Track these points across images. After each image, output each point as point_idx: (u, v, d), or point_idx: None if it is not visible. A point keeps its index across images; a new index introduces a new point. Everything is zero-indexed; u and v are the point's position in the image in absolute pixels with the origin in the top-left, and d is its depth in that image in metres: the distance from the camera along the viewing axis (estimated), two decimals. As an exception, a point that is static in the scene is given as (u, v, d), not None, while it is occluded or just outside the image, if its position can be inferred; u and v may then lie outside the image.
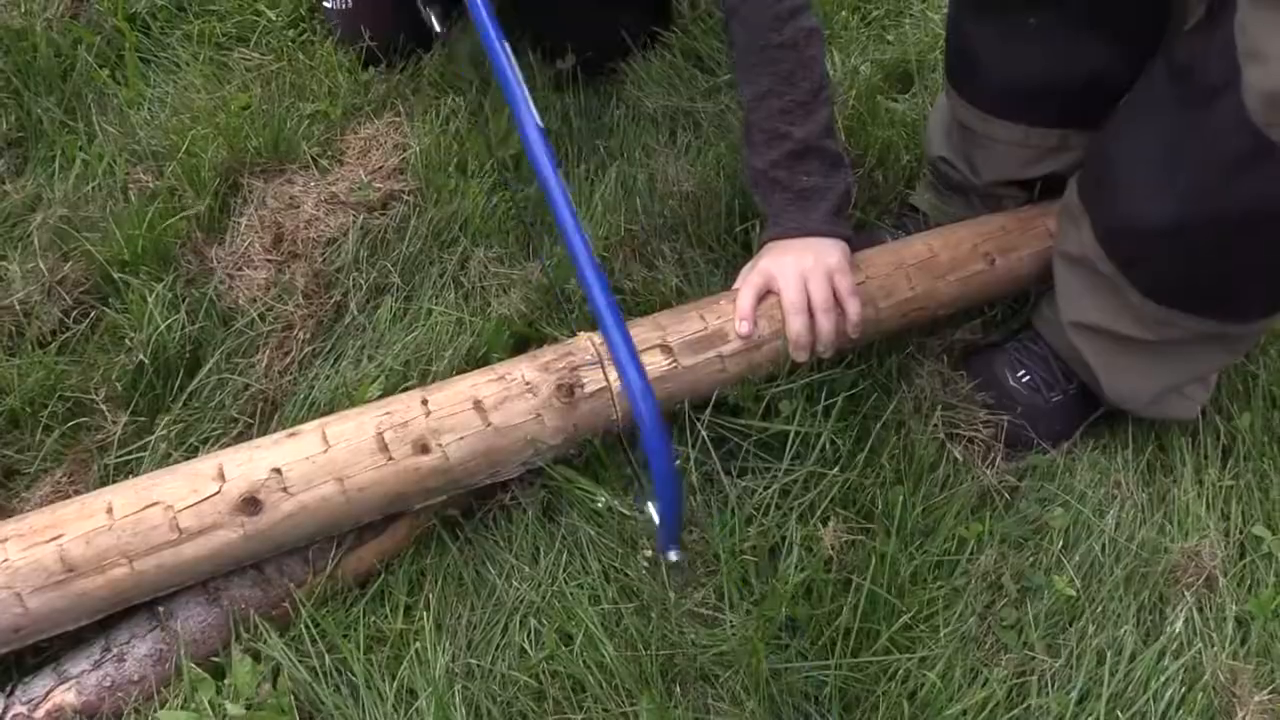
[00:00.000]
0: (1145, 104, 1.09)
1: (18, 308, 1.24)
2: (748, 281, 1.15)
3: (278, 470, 0.96)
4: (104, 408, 1.16)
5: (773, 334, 1.14)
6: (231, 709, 0.93)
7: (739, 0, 1.15)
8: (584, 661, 1.00)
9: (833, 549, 1.07)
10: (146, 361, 1.18)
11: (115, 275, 1.26)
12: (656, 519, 1.01)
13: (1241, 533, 1.21)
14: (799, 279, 1.13)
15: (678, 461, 1.11)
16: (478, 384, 1.05)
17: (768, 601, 1.03)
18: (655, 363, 1.09)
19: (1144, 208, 1.07)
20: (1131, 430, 1.28)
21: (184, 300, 1.25)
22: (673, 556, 1.01)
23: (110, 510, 0.93)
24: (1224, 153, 0.96)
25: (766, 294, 1.15)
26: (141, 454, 1.13)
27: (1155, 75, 1.07)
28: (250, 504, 0.95)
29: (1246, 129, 0.92)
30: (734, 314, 1.14)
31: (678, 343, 1.10)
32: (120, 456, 1.13)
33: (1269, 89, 0.89)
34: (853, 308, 1.14)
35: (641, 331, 1.11)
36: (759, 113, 1.17)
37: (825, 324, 1.13)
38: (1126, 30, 1.14)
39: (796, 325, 1.12)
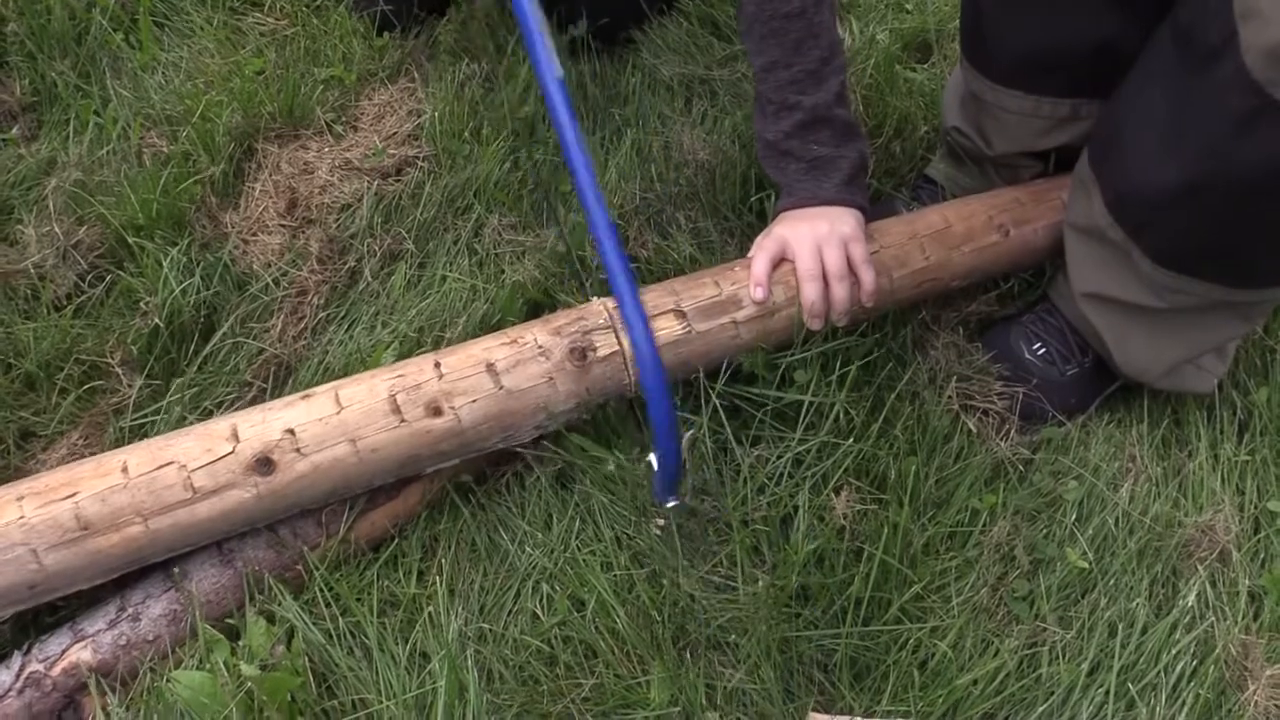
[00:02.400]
0: (1150, 68, 1.08)
1: (33, 271, 1.25)
2: (762, 248, 1.15)
3: (291, 431, 0.97)
4: (119, 371, 1.17)
5: (787, 301, 1.13)
6: (246, 669, 0.93)
7: None
8: (596, 627, 1.01)
9: (844, 518, 1.07)
10: (161, 325, 1.19)
11: (130, 239, 1.26)
12: (656, 465, 1.01)
13: (1256, 508, 1.21)
14: (813, 246, 1.12)
15: (678, 410, 1.11)
16: (490, 347, 1.05)
17: (779, 570, 1.03)
18: (669, 327, 1.09)
19: (1151, 172, 1.06)
20: (1147, 404, 1.27)
21: (198, 265, 1.25)
22: (670, 503, 1.01)
23: (125, 469, 0.93)
24: (1227, 113, 0.95)
25: (781, 261, 1.15)
26: (156, 417, 1.14)
27: (1160, 39, 1.06)
28: (264, 464, 0.95)
29: (1248, 88, 0.91)
30: (748, 280, 1.13)
31: (691, 308, 1.10)
32: (135, 419, 1.14)
33: (1267, 45, 0.88)
34: (867, 276, 1.13)
35: (655, 296, 1.10)
36: (768, 84, 1.16)
37: (840, 291, 1.12)
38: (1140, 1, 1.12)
39: (811, 292, 1.12)
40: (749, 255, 1.17)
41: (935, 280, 1.23)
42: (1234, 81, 0.92)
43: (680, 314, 1.10)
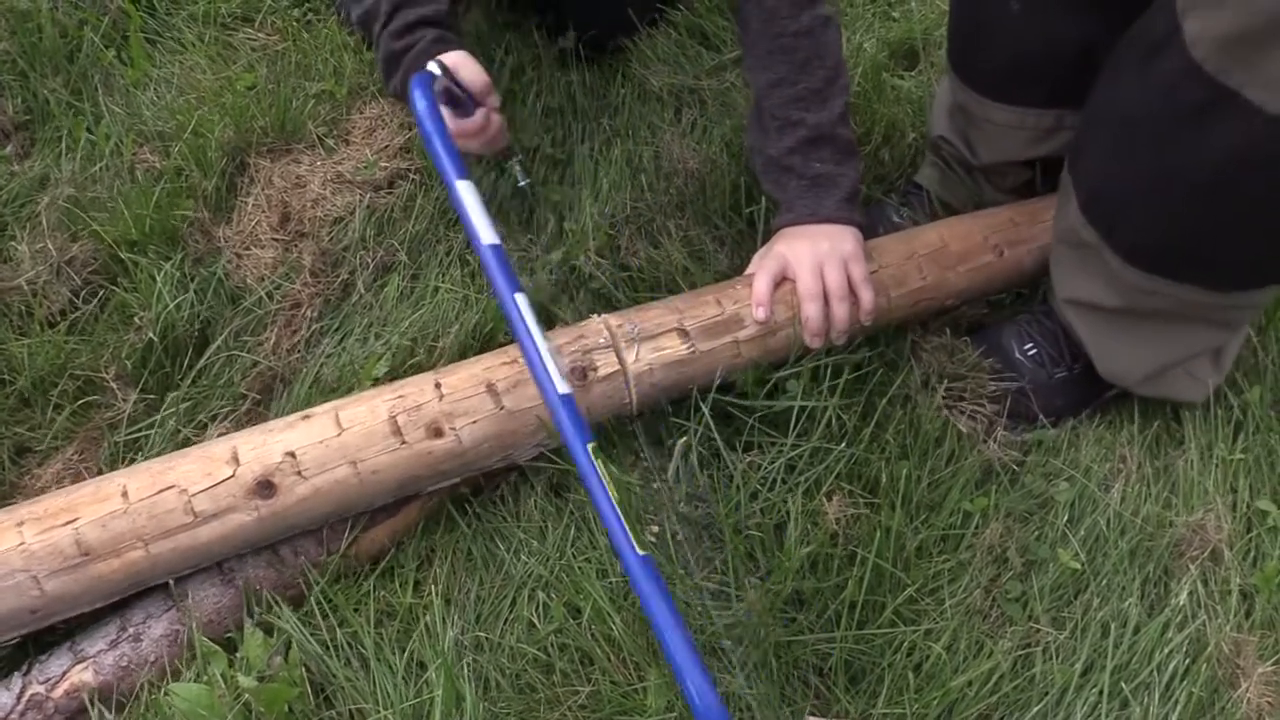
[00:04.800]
0: (1109, 67, 1.09)
1: (26, 288, 1.25)
2: (763, 267, 1.16)
3: (292, 454, 0.97)
4: (114, 386, 1.17)
5: (788, 320, 1.14)
6: (244, 681, 0.94)
7: None
8: (592, 635, 1.01)
9: (837, 523, 1.08)
10: (156, 340, 1.19)
11: (123, 255, 1.27)
12: None
13: (1248, 507, 1.21)
14: (815, 265, 1.13)
15: (671, 417, 1.12)
16: (491, 366, 1.05)
17: (774, 575, 1.04)
18: (672, 347, 1.10)
19: (1110, 169, 1.08)
20: (1138, 405, 1.28)
21: (192, 279, 1.26)
22: None
23: (125, 494, 0.93)
24: (1179, 106, 0.96)
25: (782, 280, 1.16)
26: (151, 431, 1.14)
27: (1122, 40, 1.08)
28: (265, 487, 0.95)
29: (1199, 79, 0.92)
30: (750, 299, 1.14)
31: (694, 328, 1.11)
32: (130, 434, 1.14)
33: (1216, 34, 0.89)
34: (866, 296, 1.15)
35: (658, 315, 1.11)
36: (772, 100, 1.18)
37: (840, 311, 1.13)
38: (1114, 5, 1.14)
39: (812, 312, 1.13)
40: (749, 272, 1.18)
41: (931, 300, 1.25)
42: (1183, 74, 0.93)
43: (684, 333, 1.11)
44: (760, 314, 1.13)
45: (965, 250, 1.27)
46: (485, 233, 1.03)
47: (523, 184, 1.20)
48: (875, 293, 1.16)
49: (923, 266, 1.24)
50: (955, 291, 1.27)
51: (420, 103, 1.09)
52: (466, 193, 1.05)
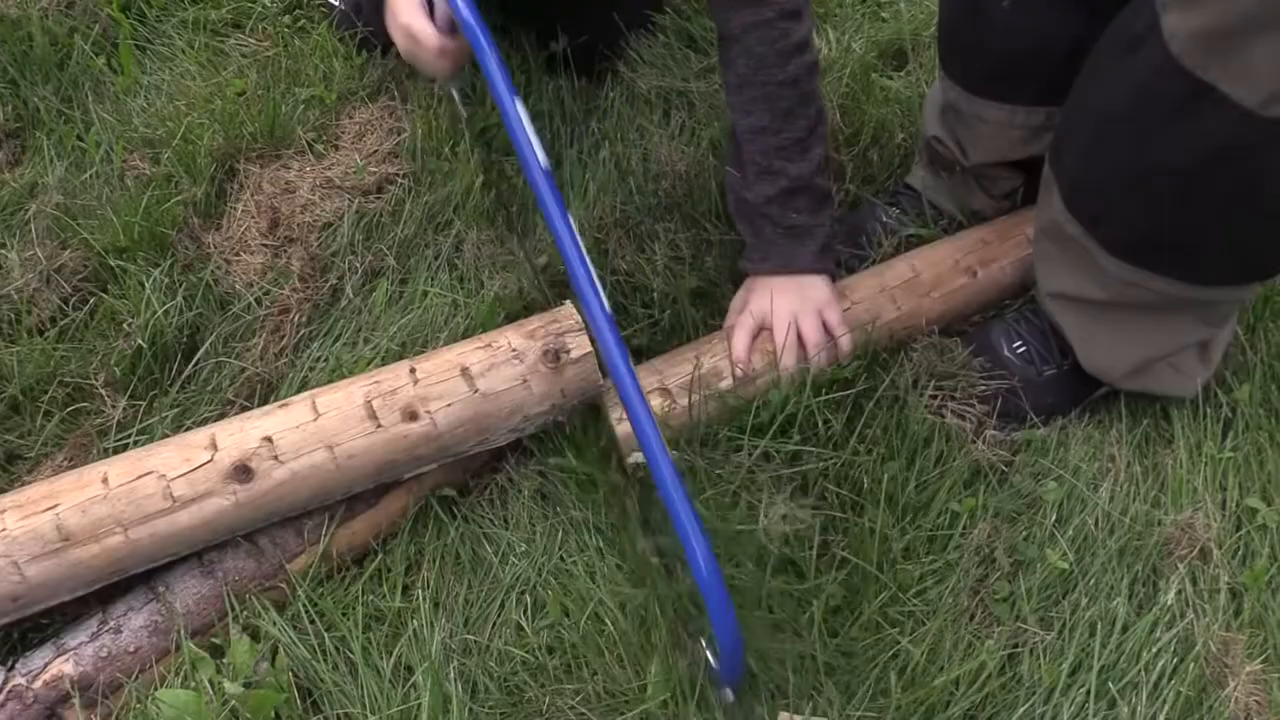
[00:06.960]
0: (1092, 62, 1.10)
1: (16, 296, 1.26)
2: (741, 325, 1.18)
3: (268, 439, 0.98)
4: (103, 392, 1.18)
5: (766, 366, 1.16)
6: (230, 687, 0.94)
7: (742, 29, 1.14)
8: (581, 637, 1.01)
9: (824, 524, 1.08)
10: (145, 346, 1.19)
11: (113, 262, 1.27)
12: (712, 660, 0.96)
13: (1238, 505, 1.21)
14: (791, 320, 1.16)
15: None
16: (465, 351, 1.07)
17: (758, 576, 1.04)
18: (655, 406, 1.11)
19: (1094, 161, 1.08)
20: (1126, 405, 1.28)
21: (181, 285, 1.26)
22: (729, 696, 0.96)
23: (105, 480, 0.95)
24: (1157, 99, 0.96)
25: (759, 332, 1.18)
26: (140, 437, 1.14)
27: (1104, 35, 1.08)
28: (242, 471, 0.96)
29: (1177, 73, 0.92)
30: (727, 353, 1.17)
31: (676, 385, 1.13)
32: (119, 440, 1.15)
33: (1193, 30, 0.90)
34: (844, 342, 1.18)
35: (640, 377, 1.11)
36: (754, 146, 1.18)
37: (819, 363, 1.16)
38: (1104, 1, 1.14)
39: (790, 362, 1.16)
40: (726, 326, 1.21)
41: (909, 327, 1.26)
42: (1161, 68, 0.94)
43: (665, 391, 1.13)
44: (740, 373, 1.16)
45: (937, 276, 1.28)
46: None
47: (463, 113, 1.30)
48: (851, 329, 1.18)
49: (896, 298, 1.25)
50: (934, 317, 1.27)
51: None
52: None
